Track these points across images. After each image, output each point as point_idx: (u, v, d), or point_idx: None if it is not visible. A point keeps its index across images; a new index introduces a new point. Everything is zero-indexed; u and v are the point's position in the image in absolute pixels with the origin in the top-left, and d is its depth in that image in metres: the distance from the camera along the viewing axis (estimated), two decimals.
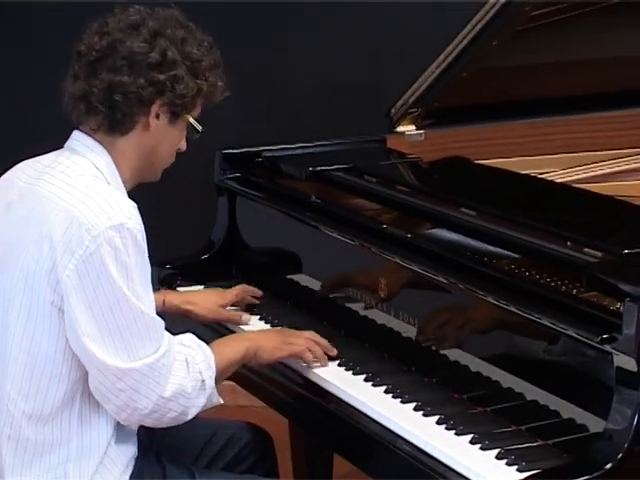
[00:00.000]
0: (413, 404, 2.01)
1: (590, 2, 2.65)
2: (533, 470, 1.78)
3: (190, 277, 2.57)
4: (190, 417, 1.98)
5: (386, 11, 3.50)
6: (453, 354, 2.08)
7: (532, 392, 1.92)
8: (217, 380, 2.01)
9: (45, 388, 1.91)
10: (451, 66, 2.60)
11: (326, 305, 2.39)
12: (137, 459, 2.02)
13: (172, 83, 1.94)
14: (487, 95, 2.72)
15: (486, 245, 2.15)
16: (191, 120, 2.02)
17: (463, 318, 2.08)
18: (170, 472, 2.06)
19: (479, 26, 2.53)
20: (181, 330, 2.06)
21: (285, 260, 2.52)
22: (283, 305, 2.47)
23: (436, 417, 1.96)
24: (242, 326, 2.38)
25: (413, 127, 2.75)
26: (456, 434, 1.91)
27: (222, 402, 2.03)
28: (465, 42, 2.55)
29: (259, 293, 2.44)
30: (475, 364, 2.03)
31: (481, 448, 1.87)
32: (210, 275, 2.53)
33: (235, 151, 2.71)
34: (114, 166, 1.97)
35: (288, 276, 2.51)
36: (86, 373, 1.92)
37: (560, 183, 2.56)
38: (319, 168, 2.53)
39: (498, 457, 1.84)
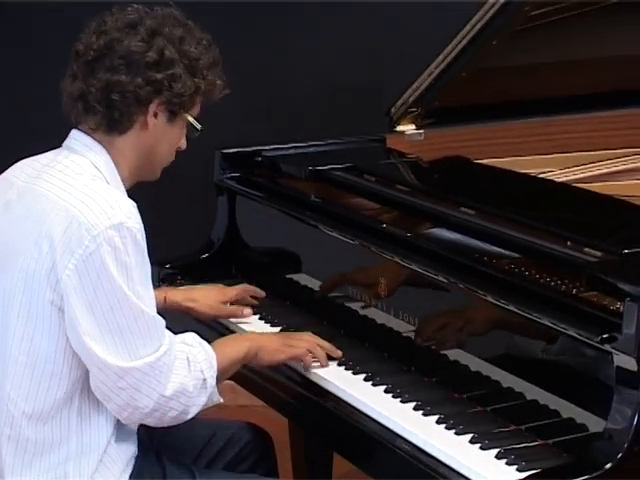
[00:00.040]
0: (413, 403, 2.01)
1: (589, 2, 2.65)
2: (533, 470, 1.78)
3: (190, 276, 2.57)
4: (191, 416, 1.98)
5: (386, 11, 3.50)
6: (453, 354, 2.08)
7: (532, 392, 1.92)
8: (218, 379, 2.00)
9: (45, 388, 1.91)
10: (451, 66, 2.60)
11: (326, 304, 2.39)
12: (137, 458, 2.02)
13: (170, 82, 1.94)
14: (487, 95, 2.72)
15: (486, 244, 2.15)
16: (190, 119, 2.01)
17: (463, 318, 2.08)
18: (170, 472, 2.06)
19: (479, 26, 2.53)
20: (182, 328, 2.06)
21: (285, 259, 2.52)
22: (283, 304, 2.47)
23: (436, 417, 1.96)
24: (242, 325, 2.38)
25: (413, 126, 2.76)
26: (456, 434, 1.91)
27: (222, 401, 2.03)
28: (465, 42, 2.56)
29: (262, 294, 2.44)
30: (475, 364, 2.03)
31: (481, 448, 1.86)
32: (210, 274, 2.52)
33: (235, 150, 2.71)
34: (113, 165, 1.97)
35: (288, 275, 2.51)
36: (86, 372, 1.92)
37: (560, 183, 2.56)
38: (319, 167, 2.53)
39: (498, 457, 1.84)
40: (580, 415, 1.84)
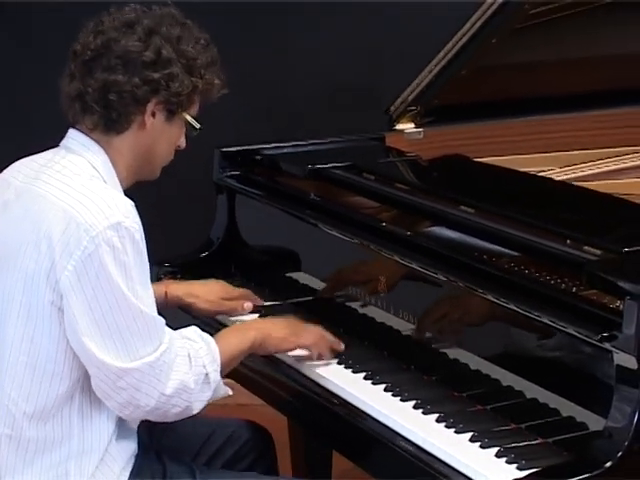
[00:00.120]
0: (413, 402, 2.01)
1: (588, 1, 2.65)
2: (533, 468, 1.78)
3: (189, 275, 2.56)
4: (196, 411, 1.97)
5: (386, 11, 3.50)
6: (452, 352, 2.08)
7: (532, 390, 1.92)
8: (222, 372, 2.00)
9: (46, 388, 1.91)
10: (450, 64, 2.60)
11: (325, 303, 2.39)
12: (137, 456, 2.02)
13: (167, 81, 1.94)
14: (486, 93, 2.72)
15: (485, 243, 2.14)
16: (188, 118, 2.01)
17: (462, 316, 2.07)
18: (170, 470, 2.06)
19: (478, 24, 2.53)
20: (181, 325, 2.05)
21: (284, 258, 2.52)
22: (282, 303, 2.47)
23: (436, 415, 1.96)
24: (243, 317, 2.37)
25: (412, 125, 2.75)
26: (456, 432, 1.91)
27: (231, 393, 2.02)
28: (464, 40, 2.56)
29: (261, 303, 2.42)
30: (475, 362, 2.03)
31: (481, 446, 1.86)
32: (209, 273, 2.51)
33: (234, 149, 2.71)
34: (110, 165, 1.97)
35: (287, 274, 2.50)
36: (87, 371, 1.92)
37: (559, 181, 2.55)
38: (318, 166, 2.53)
39: (498, 455, 1.83)
40: (580, 413, 1.84)
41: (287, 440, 2.69)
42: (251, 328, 2.14)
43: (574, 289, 1.96)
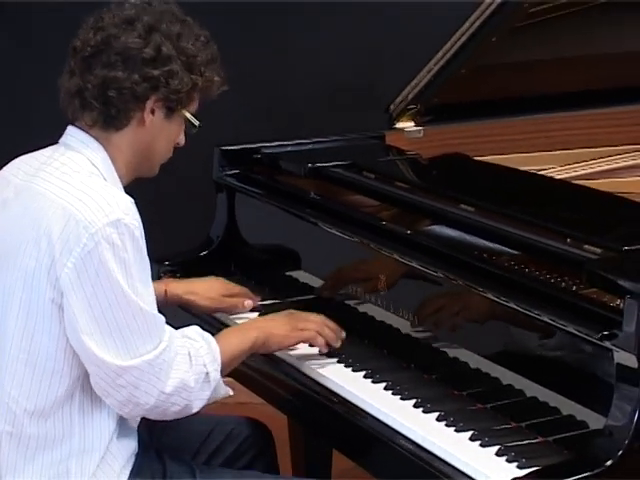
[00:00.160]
0: (413, 401, 2.01)
1: (584, 0, 2.65)
2: (533, 467, 1.78)
3: (189, 274, 2.55)
4: (196, 410, 1.97)
5: (386, 11, 3.50)
6: (453, 351, 2.07)
7: (532, 389, 1.92)
8: (223, 372, 1.99)
9: (46, 385, 1.91)
10: (450, 63, 2.60)
11: (325, 301, 2.38)
12: (137, 455, 2.02)
13: (166, 78, 1.94)
14: (486, 92, 2.72)
15: (485, 241, 2.14)
16: (187, 115, 2.01)
17: (463, 315, 2.07)
18: (170, 469, 2.05)
19: (478, 22, 2.53)
20: (182, 323, 2.05)
21: (284, 257, 2.52)
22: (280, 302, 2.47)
23: (436, 414, 1.96)
24: (241, 322, 2.37)
25: (412, 124, 2.76)
26: (456, 431, 1.91)
27: (232, 393, 2.02)
28: (464, 39, 2.56)
29: (257, 299, 2.41)
30: (475, 361, 2.02)
31: (481, 445, 1.86)
32: (209, 272, 2.50)
33: (234, 147, 2.71)
34: (110, 162, 1.97)
35: (287, 273, 2.50)
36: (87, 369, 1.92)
37: (559, 180, 2.55)
38: (318, 165, 2.53)
39: (498, 454, 1.83)
40: (580, 412, 1.84)
41: (287, 439, 2.69)
42: (252, 328, 2.13)
43: (574, 288, 1.96)
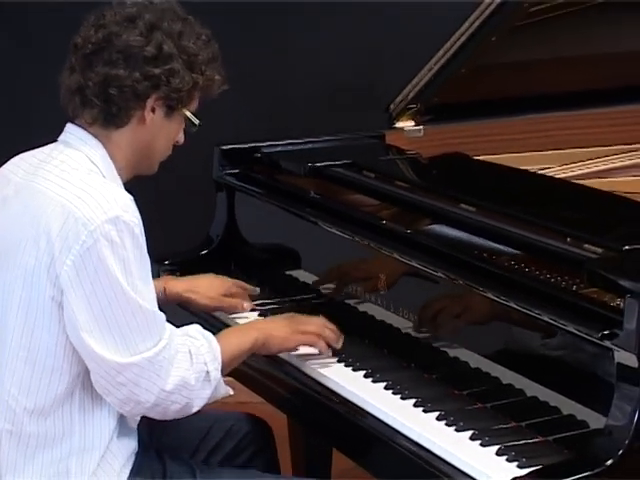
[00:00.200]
0: (413, 400, 2.01)
1: (582, 0, 2.65)
2: (533, 466, 1.77)
3: (189, 273, 2.55)
4: (196, 409, 1.97)
5: (386, 11, 3.51)
6: (453, 350, 2.07)
7: (532, 388, 1.92)
8: (223, 371, 1.99)
9: (46, 383, 1.91)
10: (450, 62, 2.60)
11: (325, 301, 2.38)
12: (137, 454, 2.01)
13: (167, 77, 1.94)
14: (486, 91, 2.72)
15: (485, 241, 2.14)
16: (188, 114, 2.01)
17: (463, 314, 2.07)
18: (170, 469, 2.05)
19: (478, 22, 2.53)
20: (181, 322, 2.05)
21: (284, 256, 2.52)
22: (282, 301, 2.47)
23: (436, 413, 1.96)
24: (240, 320, 2.36)
25: (412, 123, 2.76)
26: (456, 430, 1.91)
27: (232, 393, 2.02)
28: (464, 38, 2.56)
29: (255, 291, 2.42)
30: (475, 360, 2.02)
31: (481, 444, 1.86)
32: (209, 271, 2.50)
33: (234, 147, 2.71)
34: (109, 159, 1.97)
35: (287, 272, 2.50)
36: (87, 367, 1.91)
37: (559, 179, 2.55)
38: (318, 164, 2.53)
39: (498, 453, 1.83)
40: (580, 412, 1.84)
41: (287, 438, 2.69)
42: (252, 328, 2.13)
43: (574, 287, 1.96)
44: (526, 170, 2.55)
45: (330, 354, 2.15)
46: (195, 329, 2.01)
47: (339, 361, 2.17)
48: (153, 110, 1.96)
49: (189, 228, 2.70)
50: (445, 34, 2.63)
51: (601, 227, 2.11)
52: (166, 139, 2.02)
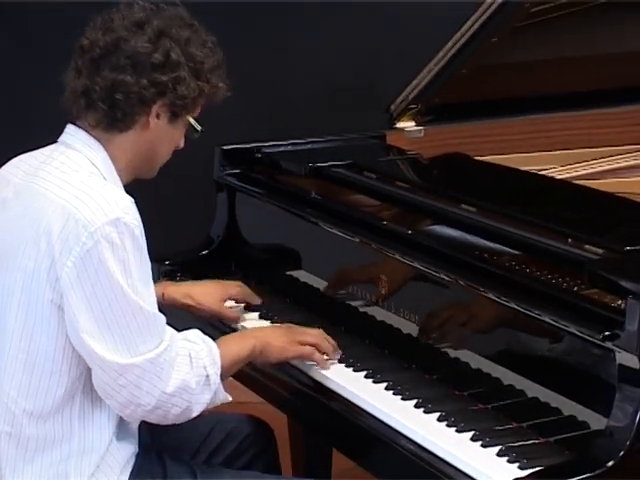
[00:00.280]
0: (414, 401, 2.01)
1: (585, 0, 2.65)
2: (535, 467, 1.77)
3: (189, 273, 2.56)
4: (195, 414, 1.97)
5: (386, 11, 3.51)
6: (453, 351, 2.07)
7: (533, 389, 1.91)
8: (223, 376, 1.99)
9: (45, 386, 1.91)
10: (451, 63, 2.60)
11: (326, 302, 2.38)
12: (137, 456, 2.01)
13: (174, 84, 1.94)
14: (487, 92, 2.72)
15: (486, 241, 2.14)
16: (191, 120, 2.01)
17: (464, 315, 2.07)
18: (171, 471, 2.05)
19: (479, 23, 2.53)
20: (183, 325, 2.05)
21: (285, 256, 2.52)
22: (283, 302, 2.47)
23: (437, 414, 1.95)
24: (242, 323, 2.37)
25: (413, 123, 2.75)
26: (457, 431, 1.91)
27: (230, 399, 2.02)
28: (465, 39, 2.55)
29: (258, 301, 2.40)
30: (476, 361, 2.02)
31: (482, 445, 1.86)
32: (209, 271, 2.51)
33: (235, 147, 2.71)
34: (110, 161, 1.96)
35: (288, 272, 2.50)
36: (87, 370, 1.91)
37: (560, 180, 2.55)
38: (319, 164, 2.53)
39: (499, 454, 1.83)
40: (581, 412, 1.83)
41: (287, 438, 2.69)
42: (251, 336, 2.13)
43: (576, 288, 1.95)
44: (527, 171, 2.55)
45: (328, 366, 2.14)
46: (195, 334, 2.01)
47: (340, 362, 2.17)
48: (157, 116, 1.96)
49: (189, 228, 2.70)
50: (445, 34, 2.63)
51: (602, 228, 2.11)
52: (168, 144, 2.02)
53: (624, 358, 1.75)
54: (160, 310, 1.94)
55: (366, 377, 2.11)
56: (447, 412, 1.95)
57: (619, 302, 1.82)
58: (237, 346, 2.07)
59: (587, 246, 1.98)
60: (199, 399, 1.96)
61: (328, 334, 2.18)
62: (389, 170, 2.56)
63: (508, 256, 2.10)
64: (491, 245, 2.13)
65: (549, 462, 1.79)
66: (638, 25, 2.73)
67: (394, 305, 2.20)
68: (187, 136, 2.04)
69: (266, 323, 2.36)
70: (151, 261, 1.94)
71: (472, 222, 2.19)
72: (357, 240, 2.27)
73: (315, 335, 2.16)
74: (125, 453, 1.98)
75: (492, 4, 2.50)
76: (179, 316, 2.27)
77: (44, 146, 2.04)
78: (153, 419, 1.96)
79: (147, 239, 1.92)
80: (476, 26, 2.53)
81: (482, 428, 1.89)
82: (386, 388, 2.06)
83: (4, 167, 2.06)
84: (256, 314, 2.40)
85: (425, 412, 1.97)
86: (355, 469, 2.09)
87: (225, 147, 2.69)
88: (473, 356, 2.03)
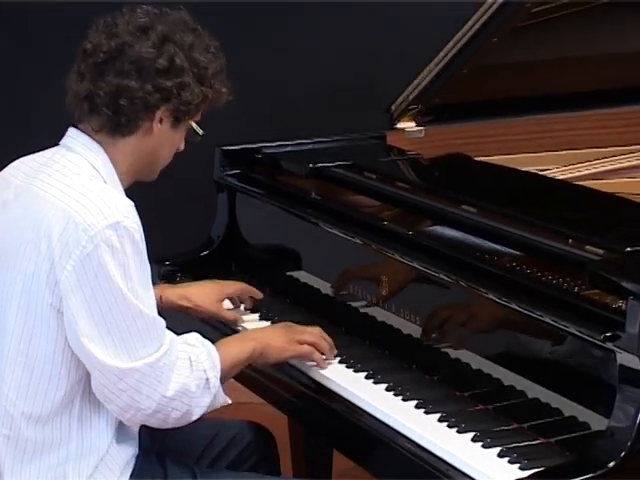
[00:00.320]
0: (414, 402, 2.01)
1: (586, 0, 2.65)
2: (535, 468, 1.77)
3: (189, 274, 2.56)
4: (195, 417, 1.96)
5: (386, 11, 3.51)
6: (454, 352, 2.07)
7: (533, 390, 1.91)
8: (222, 380, 1.99)
9: (44, 389, 1.90)
10: (451, 63, 2.59)
11: (326, 302, 2.38)
12: (138, 458, 2.01)
13: (178, 90, 1.94)
14: (487, 92, 2.72)
15: (487, 242, 2.14)
16: (193, 125, 2.02)
17: (464, 316, 2.07)
18: (171, 472, 2.05)
19: (480, 23, 2.52)
20: (183, 328, 2.05)
21: (285, 257, 2.51)
22: (283, 302, 2.47)
23: (437, 415, 1.95)
24: (242, 324, 2.37)
25: (413, 124, 2.75)
26: (458, 432, 1.90)
27: (230, 402, 2.01)
28: (465, 39, 2.55)
29: (260, 295, 2.41)
30: (476, 362, 2.02)
31: (483, 446, 1.86)
32: (210, 272, 2.51)
33: (235, 147, 2.71)
34: (111, 165, 1.96)
35: (288, 273, 2.50)
36: (86, 374, 1.91)
37: (561, 180, 2.55)
38: (319, 165, 2.53)
39: (500, 455, 1.83)
40: (582, 413, 1.83)
41: (287, 439, 2.69)
42: (250, 338, 2.13)
43: (576, 289, 1.95)
44: (527, 171, 2.55)
45: (326, 366, 2.14)
46: (194, 337, 2.00)
47: (340, 362, 2.17)
48: (160, 121, 1.96)
49: (189, 229, 2.70)
50: (445, 34, 2.63)
51: (603, 228, 2.11)
52: (170, 148, 2.02)
53: (625, 359, 1.75)
54: (159, 314, 1.94)
55: (367, 378, 2.10)
56: (448, 413, 1.95)
57: (620, 303, 1.82)
58: (236, 349, 2.07)
59: (588, 247, 1.98)
60: (199, 402, 1.95)
61: (328, 335, 2.18)
62: (389, 170, 2.56)
63: (509, 257, 2.10)
64: (492, 246, 2.13)
65: (550, 463, 1.79)
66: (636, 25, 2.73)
67: (395, 306, 2.20)
68: (188, 139, 2.04)
69: (267, 324, 2.36)
70: (151, 262, 1.93)
71: (473, 223, 2.19)
72: (357, 241, 2.27)
73: (314, 334, 2.16)
74: (125, 455, 1.98)
75: (493, 4, 2.50)
76: (178, 319, 2.27)
77: (44, 146, 2.04)
78: (153, 423, 1.95)
79: (147, 240, 1.92)
80: (477, 26, 2.53)
81: (483, 429, 1.89)
82: (387, 389, 2.06)
83: (5, 169, 2.05)
84: (256, 315, 2.40)
85: (426, 413, 1.97)
86: (355, 469, 2.09)
87: (225, 147, 2.69)
88: (474, 357, 2.02)
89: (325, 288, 2.39)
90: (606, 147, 2.73)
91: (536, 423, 1.89)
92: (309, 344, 2.13)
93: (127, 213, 1.88)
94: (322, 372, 2.14)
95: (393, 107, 2.73)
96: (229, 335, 2.25)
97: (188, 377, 1.93)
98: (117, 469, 1.96)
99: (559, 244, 2.03)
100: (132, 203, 1.91)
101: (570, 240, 2.02)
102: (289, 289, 2.49)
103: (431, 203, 2.30)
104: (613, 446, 1.73)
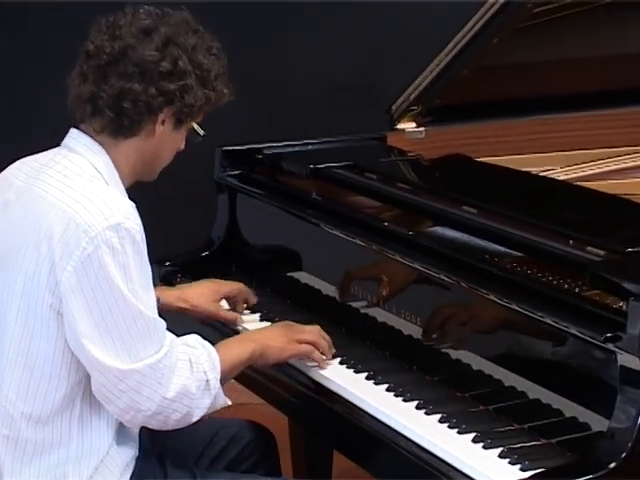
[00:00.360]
0: (415, 402, 2.01)
1: (589, 0, 2.65)
2: (536, 469, 1.77)
3: (190, 274, 2.56)
4: (195, 419, 1.96)
5: (386, 11, 3.51)
6: (455, 352, 2.07)
7: (534, 391, 1.91)
8: (222, 381, 1.99)
9: (44, 389, 1.90)
10: (452, 63, 2.59)
11: (327, 303, 2.38)
12: (138, 460, 2.01)
13: (182, 93, 1.94)
14: (488, 92, 2.71)
15: (488, 243, 2.14)
16: (195, 126, 2.02)
17: (465, 316, 2.07)
18: (172, 474, 2.05)
19: (480, 23, 2.52)
20: (183, 330, 2.05)
21: (285, 258, 2.51)
22: (283, 303, 2.47)
23: (438, 416, 1.95)
24: (244, 324, 2.36)
25: (414, 124, 2.75)
26: (458, 433, 1.90)
27: (230, 403, 2.01)
28: (466, 39, 2.55)
29: (254, 300, 2.39)
30: (477, 362, 2.02)
31: (484, 447, 1.86)
32: (210, 272, 2.51)
33: (235, 148, 2.70)
34: (113, 166, 1.96)
35: (288, 274, 2.50)
36: (86, 375, 1.91)
37: (562, 181, 2.55)
38: (320, 165, 2.53)
39: (501, 456, 1.83)
40: (583, 414, 1.83)
41: (287, 439, 2.69)
42: (250, 339, 2.13)
43: (577, 290, 1.95)
44: (528, 172, 2.55)
45: (325, 365, 2.14)
46: (194, 339, 2.00)
47: (341, 363, 2.17)
48: (163, 122, 1.96)
49: (190, 229, 2.70)
50: (445, 34, 2.63)
51: (604, 229, 2.11)
52: (171, 149, 2.02)
53: (626, 360, 1.75)
54: (159, 315, 1.94)
55: (367, 379, 2.10)
56: (448, 414, 1.95)
57: (621, 304, 1.82)
58: (236, 350, 2.07)
59: (589, 248, 1.98)
60: (199, 404, 1.95)
61: (328, 335, 2.18)
62: (390, 171, 2.56)
63: (509, 257, 2.10)
64: (492, 246, 2.13)
65: (551, 464, 1.79)
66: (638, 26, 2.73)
67: (395, 306, 2.20)
68: (188, 139, 2.04)
69: (267, 324, 2.36)
70: (152, 262, 1.93)
71: (473, 223, 2.19)
72: (358, 241, 2.27)
73: (313, 332, 2.16)
74: (125, 456, 1.98)
75: (494, 4, 2.50)
76: (178, 320, 2.27)
77: (44, 146, 2.03)
78: (153, 424, 1.95)
79: (148, 240, 1.92)
80: (478, 26, 2.53)
81: (484, 430, 1.89)
82: (387, 389, 2.06)
83: (7, 169, 2.05)
84: (257, 315, 2.40)
85: (426, 414, 1.97)
86: (355, 469, 2.09)
87: (225, 148, 2.69)
88: (474, 357, 2.02)
89: (326, 289, 2.39)
90: (608, 148, 2.72)
91: (537, 424, 1.89)
92: (308, 343, 2.14)
93: (128, 214, 1.88)
94: (322, 373, 2.14)
95: (393, 107, 2.73)
96: (229, 336, 2.24)
97: (188, 379, 1.93)
98: (117, 470, 1.96)
99: (560, 245, 2.03)
100: (133, 204, 1.91)
101: (571, 241, 2.02)
102: (290, 290, 2.48)
103: (432, 204, 2.31)
104: (614, 447, 1.73)
